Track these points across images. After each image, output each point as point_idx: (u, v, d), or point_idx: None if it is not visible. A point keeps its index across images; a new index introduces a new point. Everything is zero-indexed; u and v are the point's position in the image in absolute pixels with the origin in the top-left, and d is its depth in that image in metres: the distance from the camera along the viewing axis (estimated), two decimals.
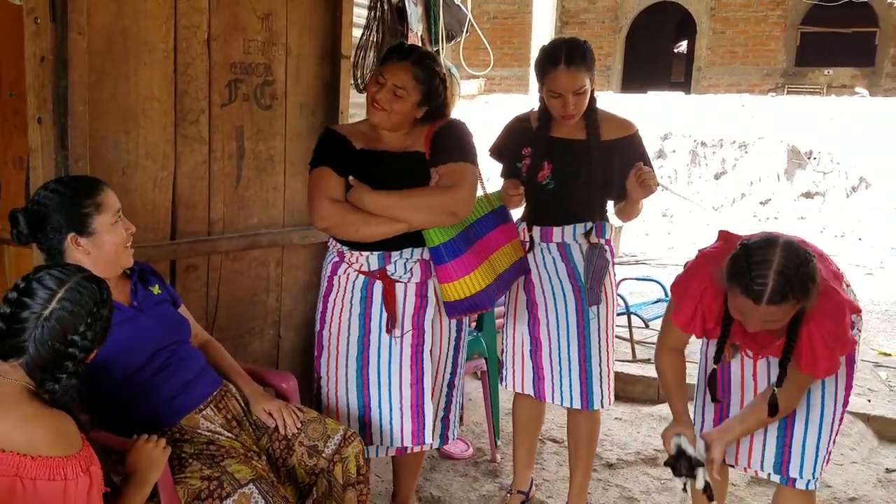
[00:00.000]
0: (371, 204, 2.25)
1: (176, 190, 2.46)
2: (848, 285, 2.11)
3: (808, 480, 2.17)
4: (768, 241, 1.87)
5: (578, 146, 2.53)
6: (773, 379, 2.12)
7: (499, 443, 3.34)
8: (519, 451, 2.86)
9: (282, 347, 2.89)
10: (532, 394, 2.69)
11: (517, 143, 2.62)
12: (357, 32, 3.28)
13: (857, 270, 7.37)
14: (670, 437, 2.19)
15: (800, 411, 2.14)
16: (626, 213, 2.57)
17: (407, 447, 2.42)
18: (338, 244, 2.40)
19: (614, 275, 2.67)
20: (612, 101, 9.32)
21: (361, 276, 2.36)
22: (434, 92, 2.33)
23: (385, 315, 2.34)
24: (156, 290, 2.08)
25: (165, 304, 2.09)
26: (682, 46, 15.89)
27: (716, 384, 2.18)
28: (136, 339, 1.94)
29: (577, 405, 2.63)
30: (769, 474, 2.22)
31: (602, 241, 2.57)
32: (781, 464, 2.18)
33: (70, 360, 1.53)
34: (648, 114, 9.06)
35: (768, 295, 1.80)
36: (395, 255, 2.33)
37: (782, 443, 2.17)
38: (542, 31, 12.21)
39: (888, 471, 3.30)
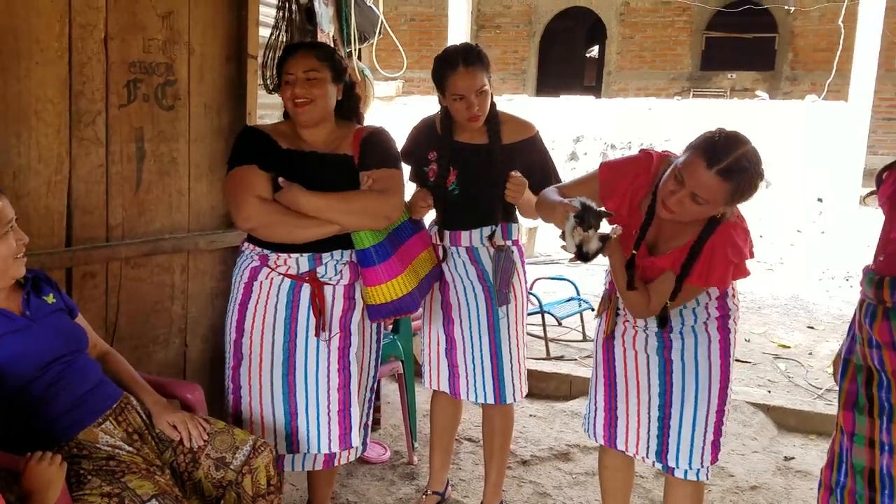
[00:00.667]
0: (308, 205, 2.20)
1: (71, 194, 2.36)
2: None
3: (686, 470, 2.25)
4: (747, 139, 1.97)
5: (481, 150, 2.56)
6: (656, 354, 2.22)
7: (416, 445, 3.34)
8: (436, 452, 2.88)
9: (188, 357, 2.81)
10: (448, 391, 2.74)
11: (424, 146, 2.64)
12: (265, 32, 3.22)
13: (758, 266, 7.70)
14: (557, 208, 2.11)
15: (675, 402, 2.22)
16: (524, 213, 2.61)
17: (335, 453, 2.39)
18: (257, 248, 2.32)
19: (524, 274, 2.71)
20: (526, 105, 9.45)
21: (287, 280, 2.30)
22: (340, 66, 2.34)
23: (312, 318, 2.30)
24: (50, 299, 1.99)
25: (60, 314, 2.00)
26: (594, 51, 16.28)
27: (634, 273, 2.15)
28: (27, 350, 1.86)
29: (490, 400, 2.67)
30: (654, 462, 2.30)
31: (508, 243, 2.61)
32: (661, 453, 2.26)
33: None
34: (562, 117, 9.23)
35: (723, 164, 1.89)
36: (325, 256, 2.30)
37: (662, 433, 2.25)
38: (459, 34, 12.29)
39: (787, 459, 3.45)
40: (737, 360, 4.69)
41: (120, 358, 2.17)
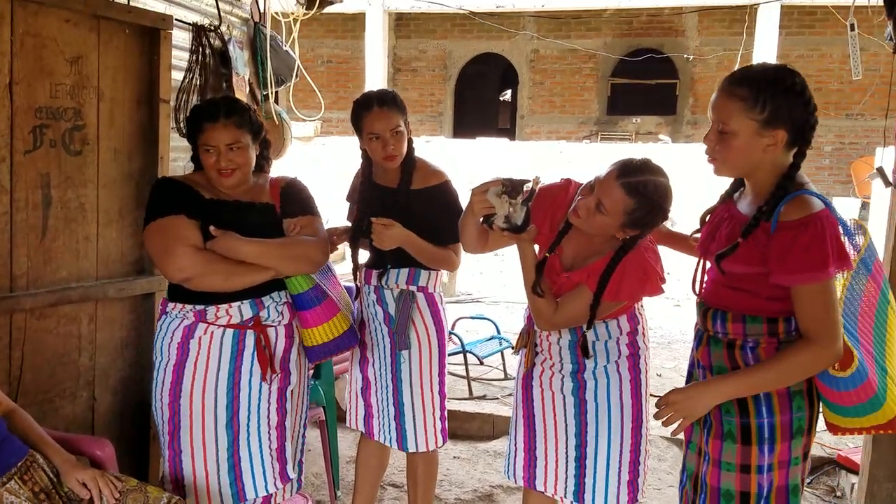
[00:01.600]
0: (248, 252, 2.19)
1: None
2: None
3: None
4: (665, 176, 2.07)
5: (391, 193, 2.61)
6: (570, 396, 2.26)
7: (339, 493, 3.28)
8: (358, 500, 2.83)
9: (97, 410, 2.69)
10: (364, 430, 2.74)
11: (353, 189, 2.74)
12: (178, 75, 3.19)
13: (666, 302, 7.96)
14: (481, 196, 2.08)
15: (590, 442, 2.25)
16: (422, 260, 2.58)
17: (274, 492, 2.35)
18: (189, 305, 2.24)
19: (435, 323, 2.66)
20: (443, 146, 9.60)
21: (229, 331, 2.25)
22: (257, 124, 2.33)
23: (256, 364, 2.27)
24: None
25: None
26: (507, 95, 16.71)
27: (541, 276, 2.17)
28: None
29: (393, 445, 2.69)
30: (571, 502, 2.31)
31: (413, 289, 2.61)
32: (578, 492, 2.29)
33: None
34: (478, 158, 9.42)
35: (630, 179, 1.99)
36: (266, 300, 2.29)
37: (578, 472, 2.28)
38: (376, 76, 12.42)
39: None
40: (651, 395, 4.84)
41: (25, 415, 2.06)
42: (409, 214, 2.54)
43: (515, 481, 2.42)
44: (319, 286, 2.37)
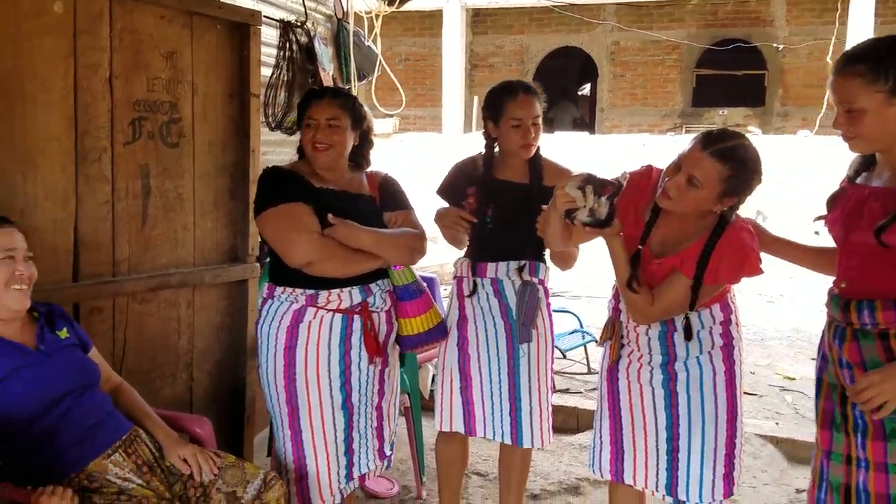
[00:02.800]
0: (368, 241, 2.27)
1: (78, 231, 2.37)
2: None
3: (698, 503, 2.20)
4: (749, 139, 2.02)
5: (521, 189, 2.58)
6: (659, 389, 2.20)
7: (424, 479, 3.30)
8: (444, 493, 2.81)
9: (194, 391, 2.80)
10: (462, 430, 2.66)
11: (463, 183, 2.66)
12: (266, 72, 3.27)
13: (759, 299, 7.70)
14: (558, 193, 2.06)
15: (683, 435, 2.18)
16: (553, 255, 2.60)
17: (373, 469, 2.44)
18: (299, 289, 2.29)
19: (550, 317, 2.66)
20: None
21: (338, 316, 2.30)
22: (359, 114, 2.41)
23: (363, 348, 2.33)
24: (63, 333, 2.01)
25: (73, 349, 2.01)
26: (586, 89, 16.50)
27: (637, 271, 2.12)
28: (40, 383, 1.86)
29: (507, 440, 2.62)
30: (663, 496, 2.25)
31: (535, 280, 2.58)
32: (671, 486, 2.22)
33: None
34: (556, 153, 9.35)
35: (718, 146, 1.93)
36: (374, 286, 2.36)
37: (671, 465, 2.21)
38: (453, 73, 12.48)
39: (798, 491, 3.41)
40: (744, 393, 4.68)
41: (132, 391, 2.17)
42: (538, 210, 2.45)
43: (602, 475, 2.36)
44: (419, 279, 2.45)
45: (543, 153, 2.65)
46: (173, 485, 2.02)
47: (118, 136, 2.47)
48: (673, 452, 2.20)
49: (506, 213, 2.56)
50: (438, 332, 2.53)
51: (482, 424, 2.64)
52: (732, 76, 13.38)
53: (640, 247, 2.13)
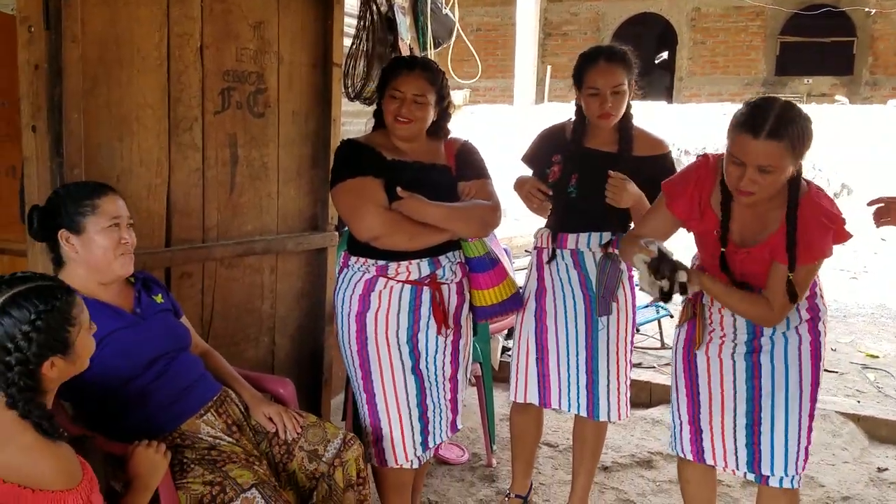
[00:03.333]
0: (434, 215, 2.27)
1: (170, 197, 2.46)
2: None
3: (782, 478, 2.18)
4: (771, 97, 2.02)
5: (608, 159, 2.51)
6: (741, 361, 2.19)
7: (494, 447, 3.35)
8: (517, 462, 2.84)
9: (276, 354, 2.89)
10: (537, 402, 2.67)
11: (549, 150, 2.63)
12: (346, 42, 3.30)
13: (841, 275, 7.45)
14: (634, 245, 2.12)
15: (765, 407, 2.17)
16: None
17: (444, 441, 2.49)
18: (371, 259, 2.33)
19: (632, 290, 2.63)
20: None
21: (407, 287, 2.33)
22: (444, 90, 2.41)
23: (432, 319, 2.36)
24: (158, 299, 2.09)
25: (167, 314, 2.10)
26: (664, 56, 16.06)
27: (727, 265, 2.13)
28: (137, 345, 1.95)
29: (583, 413, 2.63)
30: (745, 473, 2.23)
31: (617, 252, 2.52)
32: (753, 462, 2.20)
33: (8, 370, 1.45)
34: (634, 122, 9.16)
35: (768, 126, 1.89)
36: (443, 259, 2.37)
37: (751, 441, 2.20)
38: (526, 42, 12.31)
39: (880, 470, 3.33)
40: (824, 370, 4.56)
41: (218, 356, 2.26)
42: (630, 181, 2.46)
43: (684, 455, 2.33)
44: (492, 251, 2.45)
45: (636, 122, 2.57)
46: (260, 443, 2.11)
47: (208, 106, 2.54)
48: (753, 426, 2.18)
49: (590, 183, 2.50)
50: (513, 303, 2.54)
51: (557, 396, 2.64)
52: (819, 43, 12.81)
53: (722, 249, 2.10)
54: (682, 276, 2.02)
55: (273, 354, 2.87)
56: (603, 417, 2.62)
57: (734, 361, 2.20)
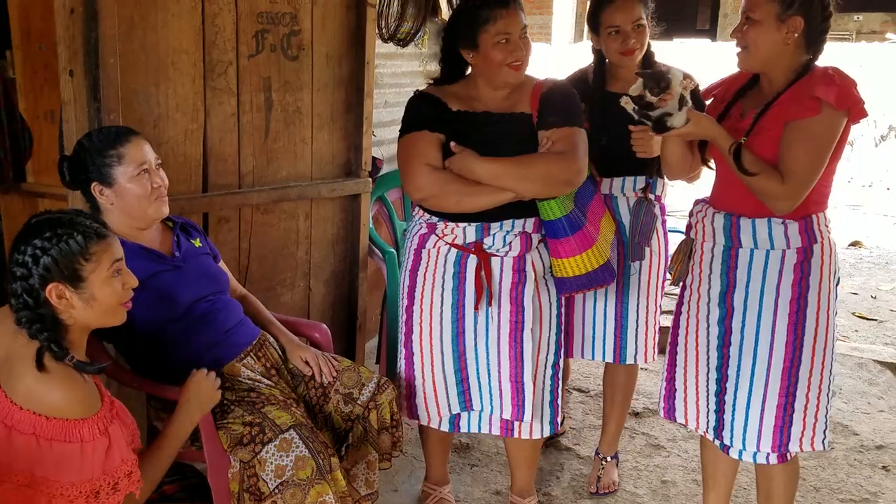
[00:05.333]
0: (482, 172, 2.07)
1: (206, 143, 2.47)
2: None
3: (741, 451, 2.09)
4: None
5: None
6: (714, 327, 2.07)
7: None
8: None
9: (312, 299, 2.93)
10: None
11: None
12: None
13: (885, 220, 7.27)
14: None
15: (732, 376, 2.06)
16: (669, 173, 2.32)
17: (511, 423, 2.30)
18: (426, 214, 2.24)
19: (665, 235, 2.59)
20: None
21: (454, 250, 2.20)
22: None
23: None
24: (197, 243, 2.12)
25: (206, 257, 2.13)
26: None
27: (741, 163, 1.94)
28: (178, 287, 1.98)
29: (608, 358, 2.63)
30: (713, 438, 2.15)
31: (652, 197, 2.48)
32: (717, 429, 2.11)
33: (14, 282, 1.50)
34: (675, 61, 8.89)
35: None
36: (494, 226, 2.16)
37: (718, 408, 2.10)
38: None
39: None
40: (862, 318, 4.51)
41: (255, 300, 2.28)
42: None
43: (659, 412, 2.29)
44: (574, 214, 2.19)
45: (659, 59, 2.49)
46: (297, 386, 2.15)
47: (242, 49, 2.52)
48: (720, 394, 2.09)
49: (621, 127, 2.35)
50: (604, 275, 2.25)
51: (580, 346, 2.64)
52: None
53: (742, 140, 1.94)
54: (675, 82, 1.91)
55: (308, 299, 2.91)
56: (630, 361, 2.62)
57: (708, 325, 2.10)
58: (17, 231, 1.54)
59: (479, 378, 2.27)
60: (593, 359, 2.67)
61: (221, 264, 2.21)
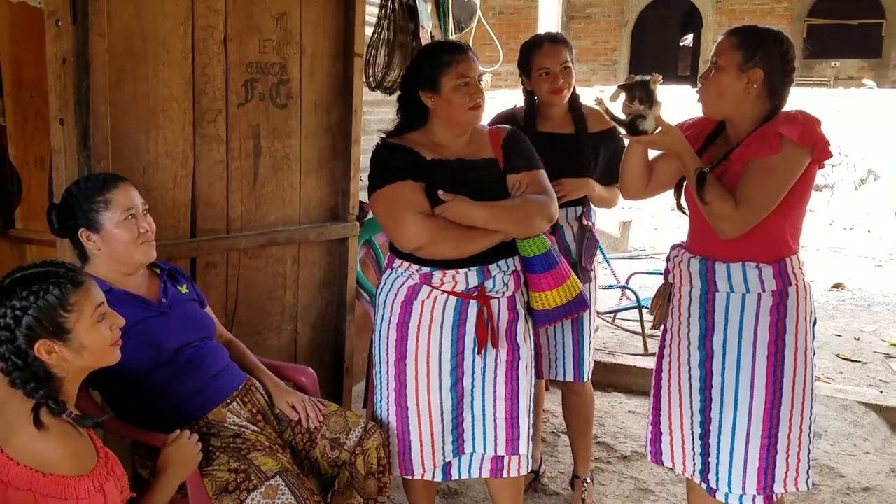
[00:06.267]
0: (479, 217, 2.09)
1: (195, 188, 2.50)
2: None
3: (727, 493, 2.07)
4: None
5: (566, 139, 2.66)
6: (696, 370, 2.09)
7: None
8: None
9: (299, 343, 2.93)
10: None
11: None
12: (368, 31, 3.31)
13: (866, 262, 7.37)
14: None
15: (715, 419, 2.07)
16: (597, 204, 2.76)
17: (502, 457, 2.28)
18: (416, 265, 2.18)
19: (599, 256, 2.87)
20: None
21: (453, 298, 2.16)
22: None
23: (477, 336, 2.18)
24: (183, 289, 2.13)
25: (192, 303, 2.14)
26: (688, 40, 15.87)
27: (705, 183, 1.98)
28: (164, 334, 1.98)
29: (569, 378, 2.77)
30: (699, 483, 2.15)
31: (589, 223, 2.71)
32: (704, 472, 2.11)
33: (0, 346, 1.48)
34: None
35: (736, 28, 2.01)
36: (493, 268, 2.17)
37: (703, 451, 2.11)
38: (548, 25, 12.19)
39: None
40: (846, 359, 4.55)
41: (241, 345, 2.29)
42: (587, 158, 2.63)
43: (646, 455, 2.30)
44: (553, 250, 2.26)
45: (583, 101, 2.73)
46: (283, 431, 2.15)
47: (232, 98, 2.56)
48: (705, 437, 2.09)
49: (554, 163, 2.47)
50: (577, 305, 2.31)
51: (547, 366, 2.78)
52: (846, 26, 12.59)
53: (705, 169, 1.98)
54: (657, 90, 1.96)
55: (295, 343, 2.91)
56: (587, 377, 2.79)
57: (690, 368, 2.11)
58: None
59: (473, 419, 2.26)
60: (556, 378, 2.80)
61: (208, 310, 2.22)
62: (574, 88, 2.68)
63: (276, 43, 2.69)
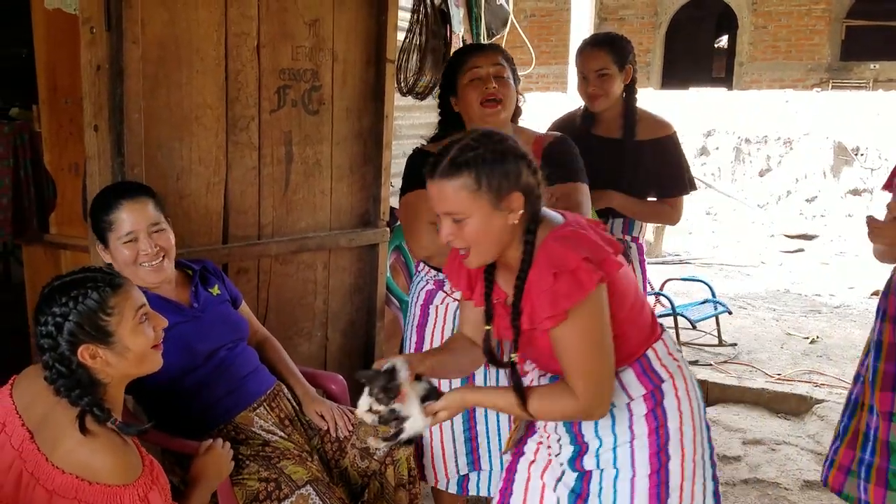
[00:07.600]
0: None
1: (228, 195, 2.50)
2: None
3: None
4: (464, 133, 1.59)
5: (613, 145, 2.57)
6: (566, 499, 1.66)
7: None
8: None
9: (329, 349, 2.92)
10: None
11: None
12: (399, 36, 3.30)
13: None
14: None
15: None
16: (634, 217, 2.62)
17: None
18: (432, 271, 2.24)
19: (643, 269, 2.70)
20: (652, 98, 9.19)
21: None
22: (516, 73, 2.24)
23: None
24: (215, 290, 2.13)
25: (225, 305, 2.14)
26: (723, 41, 15.66)
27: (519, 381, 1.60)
28: (196, 338, 1.99)
29: None
30: None
31: (627, 238, 2.60)
32: None
33: (43, 353, 1.49)
34: (690, 110, 8.93)
35: (442, 165, 1.51)
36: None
37: None
38: (581, 28, 12.11)
39: None
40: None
41: (277, 345, 2.28)
42: (634, 166, 2.52)
43: None
44: None
45: (641, 105, 2.64)
46: (311, 438, 2.14)
47: (265, 105, 2.56)
48: None
49: (599, 169, 2.40)
50: None
51: None
52: (886, 27, 12.31)
53: (487, 328, 1.65)
54: (406, 382, 1.52)
55: (326, 349, 2.91)
56: None
57: (557, 498, 1.68)
58: (39, 281, 1.56)
59: (488, 435, 2.25)
60: None
61: (243, 308, 2.23)
62: (633, 92, 2.60)
63: (309, 49, 2.68)
